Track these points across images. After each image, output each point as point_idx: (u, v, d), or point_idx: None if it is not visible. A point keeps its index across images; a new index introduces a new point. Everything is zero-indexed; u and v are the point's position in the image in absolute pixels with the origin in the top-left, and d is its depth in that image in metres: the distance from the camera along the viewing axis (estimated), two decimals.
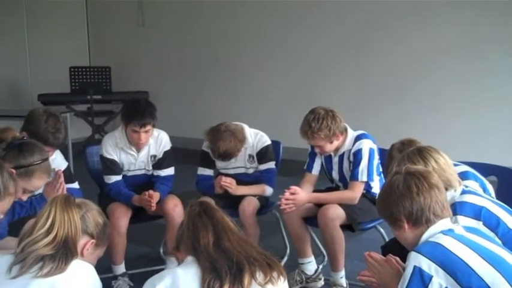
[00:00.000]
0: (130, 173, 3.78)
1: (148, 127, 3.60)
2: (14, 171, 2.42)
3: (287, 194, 3.43)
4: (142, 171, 3.81)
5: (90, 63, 8.82)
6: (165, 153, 3.79)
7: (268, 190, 3.82)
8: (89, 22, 8.96)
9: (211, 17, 7.82)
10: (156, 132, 3.76)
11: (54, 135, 3.22)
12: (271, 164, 3.83)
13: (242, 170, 3.85)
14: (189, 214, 2.06)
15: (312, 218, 3.51)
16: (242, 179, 3.81)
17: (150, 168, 3.81)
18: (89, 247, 2.02)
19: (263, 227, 3.71)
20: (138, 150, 3.73)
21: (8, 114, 6.26)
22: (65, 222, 1.94)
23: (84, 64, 8.34)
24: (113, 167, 3.72)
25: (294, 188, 3.46)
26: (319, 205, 3.48)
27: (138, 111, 3.59)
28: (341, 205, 3.42)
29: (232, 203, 3.67)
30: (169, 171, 3.80)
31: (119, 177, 3.73)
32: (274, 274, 1.95)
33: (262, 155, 3.80)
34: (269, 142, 3.84)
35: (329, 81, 6.95)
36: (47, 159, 2.74)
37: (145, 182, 3.79)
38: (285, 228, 3.79)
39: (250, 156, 3.82)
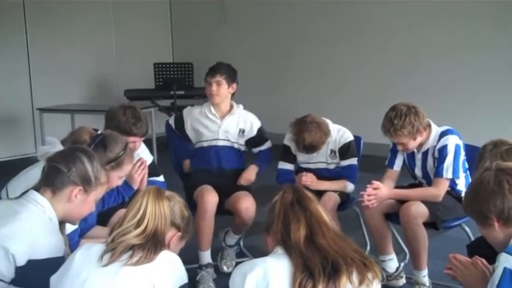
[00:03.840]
0: (213, 143, 3.87)
1: (218, 78, 3.84)
2: (107, 169, 2.48)
3: (369, 189, 3.37)
4: (227, 143, 3.88)
5: (173, 59, 8.98)
6: (259, 130, 3.96)
7: (350, 186, 3.78)
8: (173, 20, 9.12)
9: (290, 14, 7.77)
10: (243, 110, 3.96)
11: (136, 125, 3.30)
12: (354, 160, 3.80)
13: (323, 166, 3.83)
14: (281, 201, 1.97)
15: (394, 214, 3.45)
16: (323, 175, 3.79)
17: (238, 142, 3.90)
18: (175, 239, 2.05)
19: (343, 223, 3.64)
20: (214, 103, 3.87)
21: (97, 109, 6.49)
22: (156, 214, 1.95)
23: (167, 61, 8.50)
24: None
25: (376, 183, 3.39)
26: (402, 201, 3.40)
27: (211, 67, 3.92)
28: (424, 202, 3.33)
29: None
30: (268, 144, 4.01)
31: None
32: (369, 275, 1.83)
33: (345, 151, 3.77)
34: (352, 138, 3.81)
35: (413, 76, 6.77)
36: (127, 143, 2.84)
37: (231, 157, 3.89)
38: (366, 225, 3.72)
39: (332, 151, 3.79)
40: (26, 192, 2.18)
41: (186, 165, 4.05)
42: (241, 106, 4.01)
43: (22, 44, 7.64)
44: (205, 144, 3.91)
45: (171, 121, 4.10)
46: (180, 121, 4.01)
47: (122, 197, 3.07)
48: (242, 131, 3.93)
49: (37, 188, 2.18)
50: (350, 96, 7.32)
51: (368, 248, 3.87)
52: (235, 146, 3.93)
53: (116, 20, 8.51)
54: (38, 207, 2.13)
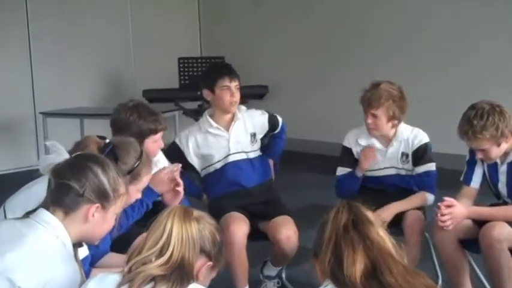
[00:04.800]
0: (227, 161, 3.86)
1: (237, 82, 3.83)
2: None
3: (443, 208, 3.32)
4: (242, 156, 3.88)
5: (201, 53, 9.05)
6: (270, 119, 3.97)
7: (430, 198, 3.75)
8: (200, 7, 9.21)
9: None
10: (246, 111, 3.96)
11: (157, 120, 3.37)
12: (431, 166, 3.78)
13: (393, 172, 3.83)
14: (333, 224, 1.92)
15: (472, 241, 3.38)
16: (394, 184, 3.80)
17: (254, 149, 3.92)
18: (205, 269, 2.03)
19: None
20: (230, 112, 3.85)
21: (111, 113, 6.51)
22: (183, 240, 1.94)
23: (194, 55, 8.55)
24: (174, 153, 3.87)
25: (449, 199, 3.36)
26: (481, 224, 3.33)
27: (221, 67, 3.96)
28: (510, 223, 3.26)
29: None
30: (280, 122, 4.07)
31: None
32: None
33: (420, 155, 3.77)
34: (427, 140, 3.81)
35: (494, 77, 6.70)
36: (142, 151, 2.86)
37: (251, 171, 3.88)
38: (436, 252, 3.66)
39: (403, 154, 3.80)
40: (32, 212, 2.18)
41: (205, 201, 4.02)
42: (242, 107, 3.99)
43: (23, 37, 7.80)
44: (218, 165, 3.90)
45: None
46: (177, 154, 3.91)
47: (146, 205, 3.13)
48: (253, 135, 3.95)
49: (45, 206, 2.18)
50: (414, 99, 7.20)
51: (440, 282, 3.80)
52: (252, 155, 3.95)
53: (133, 8, 8.64)
54: (48, 229, 2.12)
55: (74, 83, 8.00)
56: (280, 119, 4.12)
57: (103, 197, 2.18)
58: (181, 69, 7.92)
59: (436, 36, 7.12)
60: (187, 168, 3.88)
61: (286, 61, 8.36)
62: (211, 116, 3.91)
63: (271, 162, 4.11)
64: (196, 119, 7.78)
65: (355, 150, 3.87)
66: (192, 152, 3.91)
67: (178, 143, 3.94)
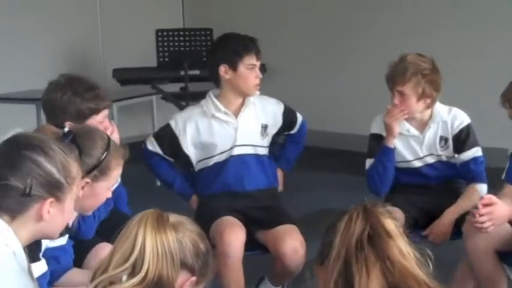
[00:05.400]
0: (231, 153, 3.86)
1: (259, 58, 3.86)
2: (87, 181, 2.58)
3: (481, 207, 3.31)
4: (249, 150, 3.89)
5: (184, 24, 9.06)
6: (285, 113, 4.04)
7: (483, 189, 3.81)
8: None
9: None
10: (258, 96, 3.98)
11: (98, 96, 3.34)
12: (477, 151, 3.85)
13: (432, 159, 3.87)
14: (343, 236, 1.88)
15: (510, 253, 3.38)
16: (436, 175, 3.87)
17: (263, 144, 3.95)
18: (188, 286, 2.02)
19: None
20: (255, 93, 3.89)
21: None
22: (159, 254, 1.93)
23: (176, 26, 8.54)
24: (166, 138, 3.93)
25: (488, 197, 3.37)
26: None
27: (247, 40, 3.89)
28: None
29: (430, 218, 3.66)
30: (299, 120, 4.15)
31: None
32: None
33: (463, 139, 3.83)
34: (469, 120, 3.88)
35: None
36: (109, 139, 2.85)
37: (258, 170, 3.92)
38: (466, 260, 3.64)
39: (442, 139, 3.85)
40: None
41: (194, 203, 4.05)
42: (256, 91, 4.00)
43: None
44: (221, 158, 3.91)
45: (151, 144, 3.99)
46: (169, 140, 3.94)
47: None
48: (264, 128, 3.97)
49: None
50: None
51: None
52: (260, 151, 3.94)
53: None
54: None
55: (27, 60, 7.91)
56: (300, 117, 4.15)
57: (55, 189, 2.13)
58: (160, 44, 7.84)
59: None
60: (179, 158, 3.87)
61: (288, 35, 8.33)
62: (218, 98, 3.89)
63: (279, 172, 4.10)
64: (179, 105, 7.81)
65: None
66: (190, 140, 3.89)
67: (173, 126, 3.92)
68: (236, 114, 3.89)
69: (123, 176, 2.99)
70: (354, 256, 1.83)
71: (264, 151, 3.97)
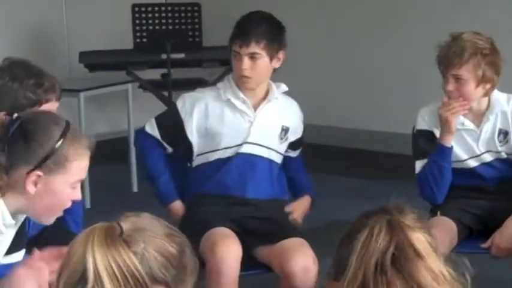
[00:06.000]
0: (239, 150, 3.91)
1: (253, 48, 3.84)
2: (39, 174, 2.68)
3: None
4: (262, 151, 3.97)
5: None
6: (304, 128, 4.15)
7: None
8: None
9: None
10: (282, 94, 4.01)
11: (25, 88, 3.35)
12: None
13: (490, 157, 3.97)
14: (362, 254, 1.86)
15: None
16: (494, 175, 3.98)
17: (278, 150, 4.00)
18: None
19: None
20: (245, 87, 3.91)
21: None
22: (118, 277, 1.83)
23: (155, 0, 8.51)
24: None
25: None
26: None
27: (242, 24, 3.96)
28: None
29: (485, 225, 3.81)
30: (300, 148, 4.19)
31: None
32: None
33: None
34: None
35: None
36: (67, 124, 2.86)
37: (265, 177, 3.98)
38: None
39: (501, 132, 3.96)
40: None
41: (176, 211, 4.07)
42: (283, 86, 4.02)
43: None
44: (226, 153, 3.96)
45: (150, 126, 4.07)
46: (172, 122, 4.02)
47: None
48: (285, 131, 4.02)
49: None
50: None
51: None
52: (274, 157, 3.99)
53: None
54: None
55: None
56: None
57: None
58: (137, 23, 7.85)
59: None
60: (178, 148, 3.88)
61: (291, 11, 8.34)
62: (237, 84, 3.93)
63: (306, 202, 4.16)
64: (159, 95, 7.78)
65: (439, 131, 3.92)
66: (196, 123, 3.96)
67: (179, 106, 4.00)
68: (256, 106, 3.91)
69: (92, 179, 3.01)
70: (372, 281, 1.83)
71: (278, 158, 4.02)
